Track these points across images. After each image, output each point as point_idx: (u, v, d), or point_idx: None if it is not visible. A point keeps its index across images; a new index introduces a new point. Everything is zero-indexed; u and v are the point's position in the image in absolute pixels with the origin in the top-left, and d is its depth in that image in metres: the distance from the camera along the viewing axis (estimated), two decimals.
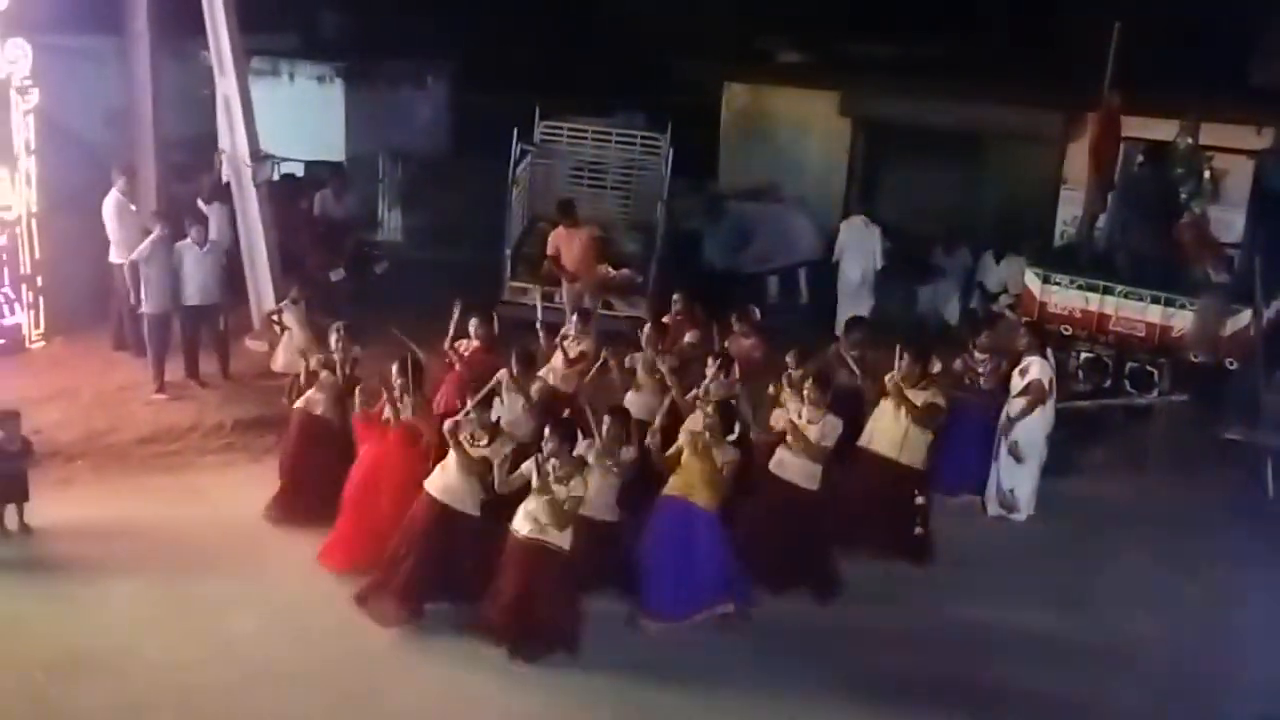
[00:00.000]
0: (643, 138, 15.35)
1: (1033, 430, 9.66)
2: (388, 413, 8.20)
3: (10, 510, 8.52)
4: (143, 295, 11.02)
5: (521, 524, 7.36)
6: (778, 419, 8.47)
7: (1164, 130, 12.15)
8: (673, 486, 7.84)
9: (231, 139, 12.39)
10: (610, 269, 13.64)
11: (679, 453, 7.84)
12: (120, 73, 12.65)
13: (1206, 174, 11.81)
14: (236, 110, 12.27)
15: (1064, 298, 11.64)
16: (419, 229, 17.25)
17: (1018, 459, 9.69)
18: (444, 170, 17.41)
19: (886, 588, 8.50)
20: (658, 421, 8.23)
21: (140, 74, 12.27)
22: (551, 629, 7.42)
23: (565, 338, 9.66)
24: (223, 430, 10.44)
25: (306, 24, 19.20)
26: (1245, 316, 10.89)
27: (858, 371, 9.37)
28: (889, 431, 8.96)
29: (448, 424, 7.71)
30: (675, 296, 10.64)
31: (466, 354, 9.40)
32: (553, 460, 7.27)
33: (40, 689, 6.90)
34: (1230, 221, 12.51)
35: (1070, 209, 13.91)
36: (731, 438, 7.84)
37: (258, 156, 12.42)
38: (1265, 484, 10.49)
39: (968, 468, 9.89)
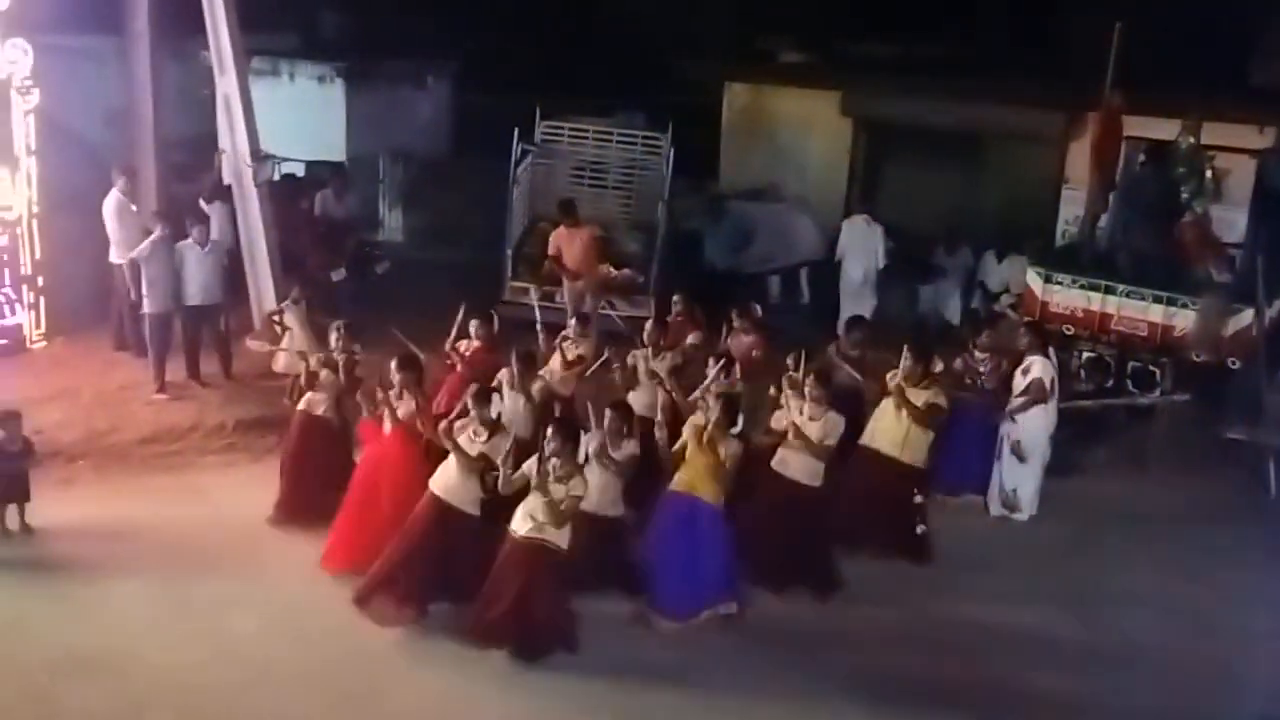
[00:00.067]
0: (644, 138, 15.35)
1: (1035, 430, 9.66)
2: (388, 414, 8.20)
3: (11, 510, 8.52)
4: (144, 295, 11.02)
5: (520, 523, 7.35)
6: (779, 419, 8.48)
7: (1166, 130, 12.14)
8: (678, 482, 7.89)
9: (232, 139, 12.38)
10: (611, 269, 13.64)
11: (684, 448, 7.88)
12: (121, 73, 12.66)
13: (1208, 173, 11.80)
14: (237, 110, 12.27)
15: (1066, 297, 11.64)
16: (420, 229, 17.26)
17: (1021, 458, 9.69)
18: (445, 170, 17.43)
19: (887, 587, 8.49)
20: (660, 416, 8.29)
21: (140, 74, 12.28)
22: (551, 629, 7.42)
23: (564, 339, 9.67)
24: (224, 430, 10.44)
25: (307, 24, 19.22)
26: (1247, 316, 10.89)
27: (857, 375, 9.37)
28: (890, 430, 8.96)
29: (443, 426, 7.71)
30: (676, 297, 10.65)
31: (468, 354, 9.40)
32: (554, 460, 7.27)
33: (42, 689, 6.89)
34: (1232, 221, 12.52)
35: (1072, 208, 13.92)
36: (735, 430, 7.87)
37: (258, 156, 12.42)
38: (1267, 483, 10.48)
39: (970, 467, 9.89)
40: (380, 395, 8.19)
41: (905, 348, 9.00)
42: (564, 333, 9.80)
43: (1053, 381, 9.64)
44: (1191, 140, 11.74)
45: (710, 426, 7.74)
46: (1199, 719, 7.46)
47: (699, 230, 15.09)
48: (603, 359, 9.34)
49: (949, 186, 15.81)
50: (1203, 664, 7.85)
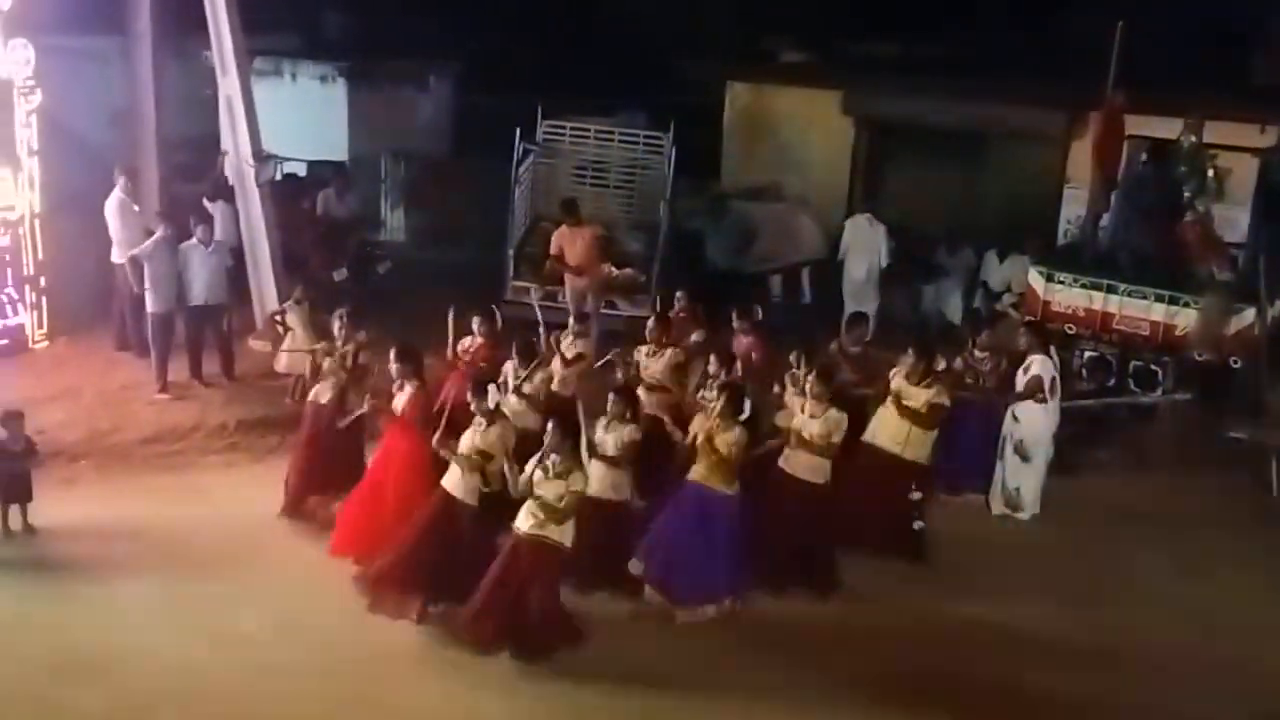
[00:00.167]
0: (645, 137, 15.34)
1: (1038, 429, 9.65)
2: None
3: (14, 510, 8.52)
4: (148, 295, 11.03)
5: (522, 520, 7.38)
6: (783, 418, 8.51)
7: (1168, 129, 12.13)
8: (694, 472, 8.01)
9: (234, 139, 12.38)
10: (613, 268, 13.64)
11: (694, 439, 7.99)
12: (123, 73, 12.67)
13: (1210, 172, 11.78)
14: (239, 110, 12.27)
15: (1068, 296, 11.64)
16: (422, 229, 17.24)
17: (1024, 458, 9.69)
18: (446, 170, 17.40)
19: (887, 587, 8.49)
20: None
21: (143, 74, 12.29)
22: (551, 628, 7.42)
23: (561, 337, 9.68)
24: (226, 430, 10.44)
25: (309, 24, 19.22)
26: (1249, 315, 10.89)
27: (856, 375, 9.36)
28: (892, 427, 8.97)
29: (435, 441, 7.76)
30: (678, 294, 10.65)
31: (471, 350, 9.43)
32: (552, 455, 7.29)
33: (44, 688, 6.90)
34: (1234, 220, 12.50)
35: (1074, 208, 13.91)
36: (742, 417, 7.91)
37: (260, 156, 12.41)
38: (1269, 482, 10.47)
39: (972, 466, 9.89)
40: (370, 400, 8.32)
41: (910, 347, 9.01)
42: (559, 333, 9.80)
43: (1054, 380, 9.64)
44: (1193, 139, 11.73)
45: (714, 416, 7.82)
46: (1199, 719, 7.46)
47: (701, 230, 15.09)
48: (605, 360, 9.34)
49: (951, 186, 15.80)
50: (1204, 663, 7.85)
